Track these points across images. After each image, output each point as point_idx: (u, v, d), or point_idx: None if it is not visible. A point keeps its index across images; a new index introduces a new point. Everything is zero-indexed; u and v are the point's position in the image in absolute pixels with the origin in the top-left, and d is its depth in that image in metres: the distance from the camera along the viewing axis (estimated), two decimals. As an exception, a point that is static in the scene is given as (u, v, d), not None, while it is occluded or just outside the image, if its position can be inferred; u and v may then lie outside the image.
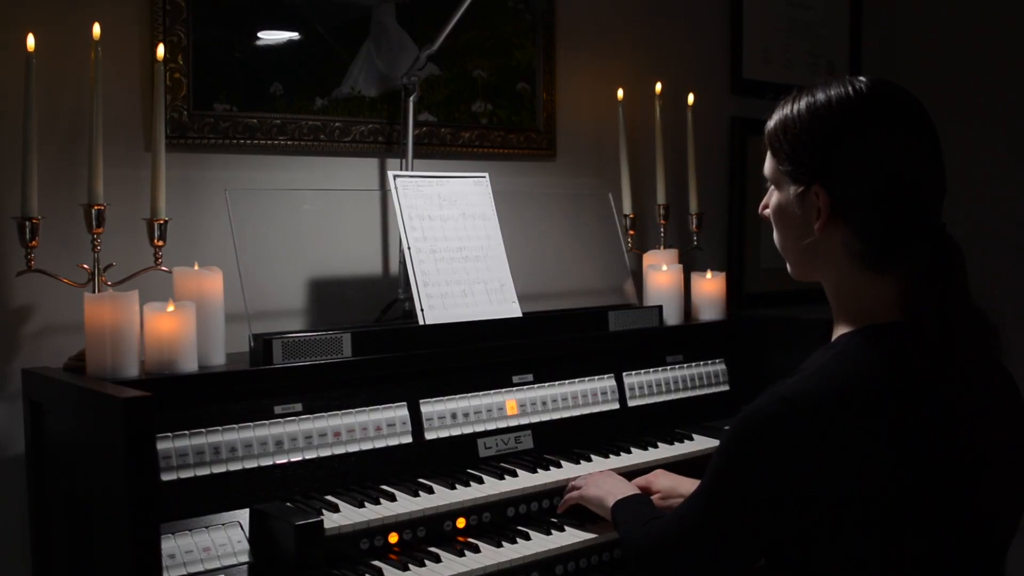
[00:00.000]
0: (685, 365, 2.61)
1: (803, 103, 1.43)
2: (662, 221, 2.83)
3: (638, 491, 1.95)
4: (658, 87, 2.85)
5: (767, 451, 1.31)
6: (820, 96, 1.41)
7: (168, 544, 1.70)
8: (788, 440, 1.30)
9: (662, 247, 2.83)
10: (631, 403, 2.47)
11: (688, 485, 2.04)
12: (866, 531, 1.28)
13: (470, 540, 1.95)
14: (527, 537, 1.98)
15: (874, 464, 1.29)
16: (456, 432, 2.17)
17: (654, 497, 2.03)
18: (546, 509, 2.09)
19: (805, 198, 1.42)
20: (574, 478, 2.12)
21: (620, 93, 2.82)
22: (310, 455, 1.96)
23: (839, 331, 1.45)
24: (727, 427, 2.42)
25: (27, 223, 1.88)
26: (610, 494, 1.92)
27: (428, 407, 2.14)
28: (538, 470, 2.14)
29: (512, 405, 2.26)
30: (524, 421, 2.27)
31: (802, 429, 1.29)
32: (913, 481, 1.30)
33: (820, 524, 1.30)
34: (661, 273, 2.69)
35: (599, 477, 2.04)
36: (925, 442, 1.31)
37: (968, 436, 1.34)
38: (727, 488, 1.38)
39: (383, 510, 1.88)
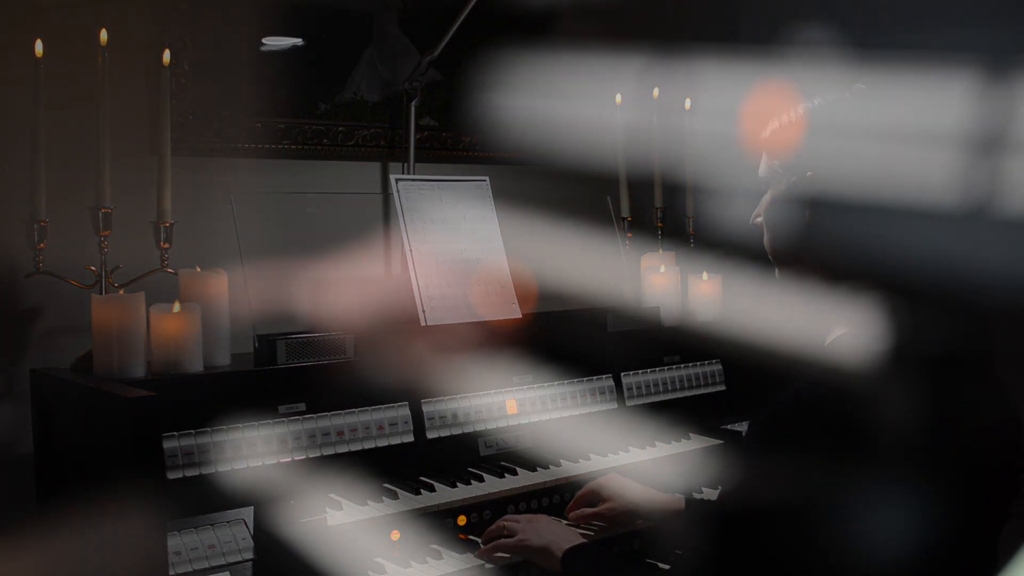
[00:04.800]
0: (682, 365, 2.64)
1: (800, 109, 1.46)
2: (659, 224, 2.86)
3: (583, 539, 1.84)
4: (655, 92, 2.88)
5: (788, 451, 1.30)
6: (817, 100, 1.45)
7: (174, 541, 1.72)
8: (808, 439, 1.30)
9: (659, 249, 2.85)
10: (629, 403, 2.50)
11: (636, 492, 2.03)
12: (879, 521, 1.30)
13: (471, 537, 1.98)
14: (527, 534, 2.01)
15: (891, 458, 1.31)
16: (457, 431, 2.20)
17: (603, 506, 2.02)
18: (545, 507, 2.12)
19: (798, 186, 1.44)
20: (573, 476, 2.15)
21: (618, 98, 2.85)
22: (313, 454, 1.99)
23: (837, 331, 1.44)
24: (724, 427, 2.50)
25: (35, 225, 1.91)
26: (554, 543, 1.81)
27: (429, 407, 2.17)
28: (538, 469, 2.17)
29: (512, 405, 2.29)
30: (524, 421, 2.30)
31: (822, 427, 1.30)
32: (928, 471, 1.32)
33: (835, 522, 1.30)
34: (658, 275, 2.71)
35: (540, 525, 1.90)
36: (939, 432, 1.34)
37: (976, 424, 1.37)
38: (749, 491, 1.36)
39: (385, 508, 1.91)
